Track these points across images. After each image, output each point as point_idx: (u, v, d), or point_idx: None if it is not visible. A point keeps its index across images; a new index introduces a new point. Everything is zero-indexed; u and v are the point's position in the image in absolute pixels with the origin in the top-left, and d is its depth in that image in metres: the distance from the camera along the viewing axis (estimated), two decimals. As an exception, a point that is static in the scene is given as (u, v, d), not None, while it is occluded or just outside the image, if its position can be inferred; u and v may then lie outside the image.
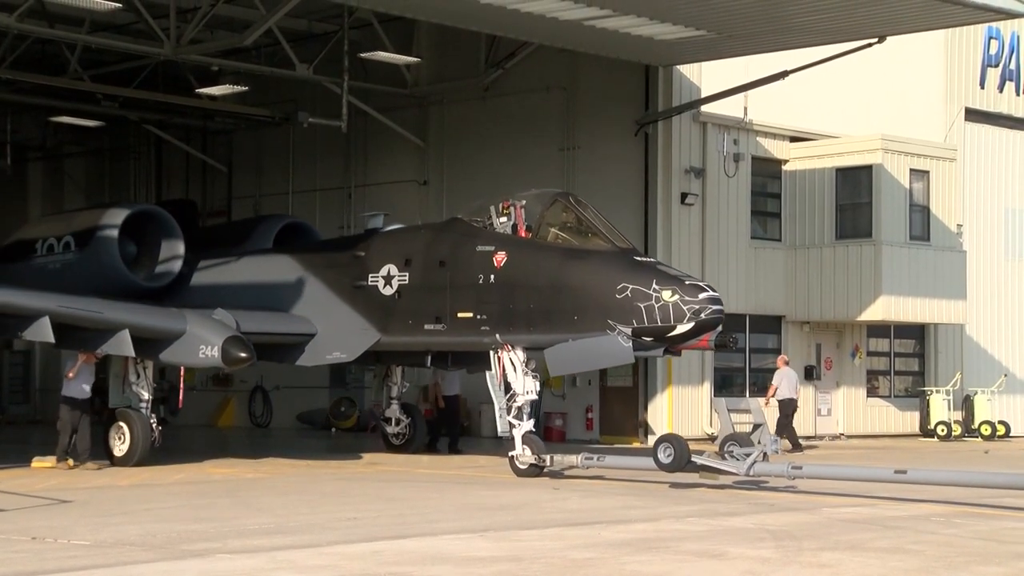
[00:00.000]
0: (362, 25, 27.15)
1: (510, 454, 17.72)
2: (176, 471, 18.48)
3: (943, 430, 29.05)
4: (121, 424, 19.36)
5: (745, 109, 27.08)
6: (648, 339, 16.91)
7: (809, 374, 28.31)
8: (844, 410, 29.06)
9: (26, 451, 20.66)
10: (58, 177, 36.91)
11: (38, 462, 19.15)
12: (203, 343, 18.71)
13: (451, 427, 23.55)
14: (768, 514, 13.47)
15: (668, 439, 16.42)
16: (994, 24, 30.28)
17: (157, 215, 22.95)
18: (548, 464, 17.37)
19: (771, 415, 22.89)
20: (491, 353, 18.09)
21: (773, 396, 24.70)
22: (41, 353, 36.09)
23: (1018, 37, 32.38)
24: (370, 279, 19.82)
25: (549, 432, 26.87)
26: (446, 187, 29.00)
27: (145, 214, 22.90)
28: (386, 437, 22.91)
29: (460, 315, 18.47)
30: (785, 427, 24.34)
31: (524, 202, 18.31)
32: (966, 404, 30.11)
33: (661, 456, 16.05)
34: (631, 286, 16.78)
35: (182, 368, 20.01)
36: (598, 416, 26.51)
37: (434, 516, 13.21)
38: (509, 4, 20.71)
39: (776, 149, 28.33)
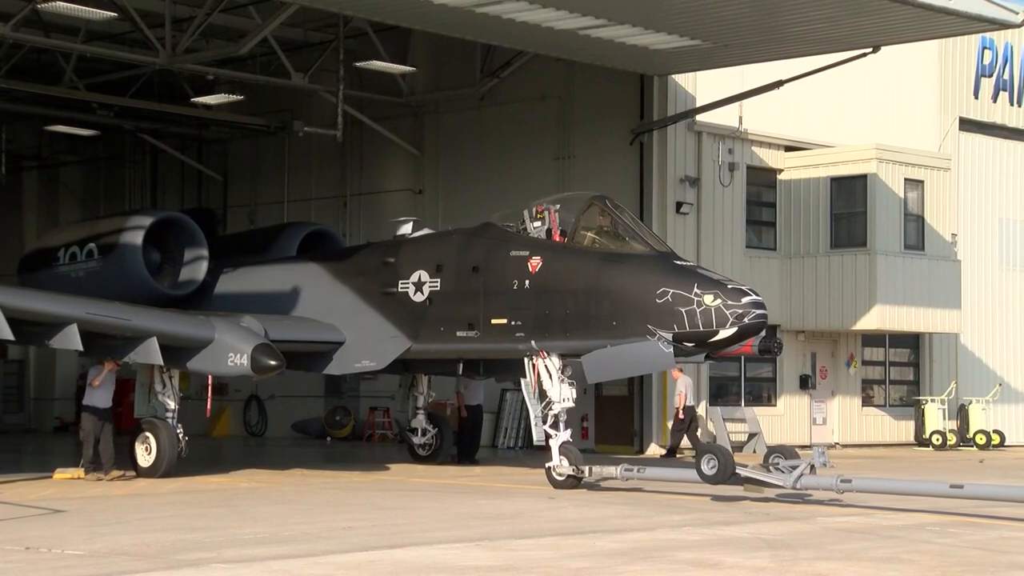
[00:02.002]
0: (357, 34, 27.19)
1: (547, 465, 17.36)
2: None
3: (938, 439, 29.06)
4: (147, 434, 18.86)
5: (740, 118, 27.14)
6: (689, 344, 16.54)
7: (804, 383, 28.32)
8: (839, 419, 29.06)
9: (19, 461, 20.59)
10: (53, 186, 36.89)
11: (60, 473, 18.67)
12: (232, 351, 18.33)
13: (471, 437, 22.94)
14: (764, 523, 13.46)
15: (712, 450, 15.78)
16: (988, 34, 30.37)
17: (181, 222, 22.53)
18: (586, 475, 16.91)
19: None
20: (526, 360, 17.68)
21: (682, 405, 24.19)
22: (36, 362, 36.06)
23: (1012, 47, 32.48)
24: (400, 285, 19.43)
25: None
26: (441, 196, 29.02)
27: (168, 221, 22.48)
28: (412, 448, 22.45)
29: (494, 321, 18.09)
30: (685, 432, 24.19)
31: (558, 206, 17.95)
32: (961, 413, 30.13)
33: (705, 468, 15.46)
34: (672, 290, 16.40)
35: (210, 377, 19.48)
36: (593, 425, 26.49)
37: (429, 525, 13.19)
38: (504, 14, 20.75)
39: (771, 158, 28.38)
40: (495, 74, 27.83)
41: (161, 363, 18.49)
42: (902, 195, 28.24)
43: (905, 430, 30.01)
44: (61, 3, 23.26)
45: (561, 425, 17.27)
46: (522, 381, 17.73)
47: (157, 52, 24.63)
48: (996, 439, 29.78)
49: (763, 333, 17.50)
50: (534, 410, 17.32)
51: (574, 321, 17.21)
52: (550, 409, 17.31)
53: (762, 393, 28.08)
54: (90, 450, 18.62)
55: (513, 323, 17.82)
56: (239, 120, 30.96)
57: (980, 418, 30.01)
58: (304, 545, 11.55)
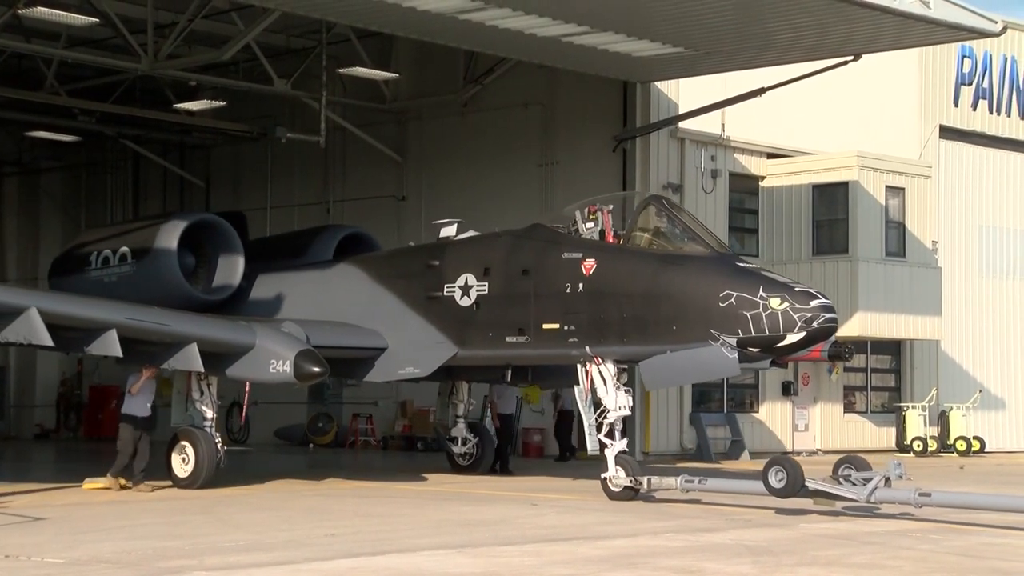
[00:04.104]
0: (340, 41, 27.18)
1: (602, 476, 16.63)
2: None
3: (919, 446, 29.20)
4: (184, 444, 18.13)
5: (723, 126, 27.24)
6: (754, 350, 15.87)
7: (787, 390, 28.40)
8: (821, 426, 29.16)
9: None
10: (34, 192, 36.74)
11: (90, 483, 18.10)
12: (274, 357, 17.66)
13: (504, 446, 22.19)
14: (746, 530, 13.49)
15: (780, 462, 14.93)
16: (968, 43, 30.58)
17: (215, 225, 21.74)
18: (644, 487, 16.24)
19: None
20: (579, 367, 17.01)
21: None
22: (16, 369, 35.88)
23: (991, 56, 32.71)
24: (445, 289, 18.71)
25: (527, 448, 26.86)
26: (424, 203, 29.01)
27: (203, 224, 21.69)
28: (451, 457, 21.70)
29: (546, 326, 17.36)
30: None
31: (612, 206, 17.42)
32: (942, 420, 30.28)
33: (772, 480, 14.76)
34: (735, 293, 15.71)
35: (247, 384, 18.66)
36: (576, 432, 26.49)
37: (412, 532, 13.16)
38: (487, 20, 20.78)
39: (753, 165, 28.48)
40: (478, 81, 27.85)
41: (201, 370, 17.83)
42: (883, 202, 28.39)
43: (886, 436, 30.13)
44: (42, 8, 23.18)
45: (617, 434, 16.58)
46: (575, 389, 17.11)
47: (139, 58, 24.57)
48: (976, 445, 29.93)
49: (833, 338, 16.90)
50: (587, 418, 16.61)
51: (631, 326, 16.55)
52: (605, 417, 16.60)
53: (745, 399, 28.14)
54: (125, 459, 17.83)
55: (566, 328, 17.13)
56: (221, 126, 30.90)
57: (960, 424, 30.16)
58: (286, 552, 11.52)
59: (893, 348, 30.59)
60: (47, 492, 17.76)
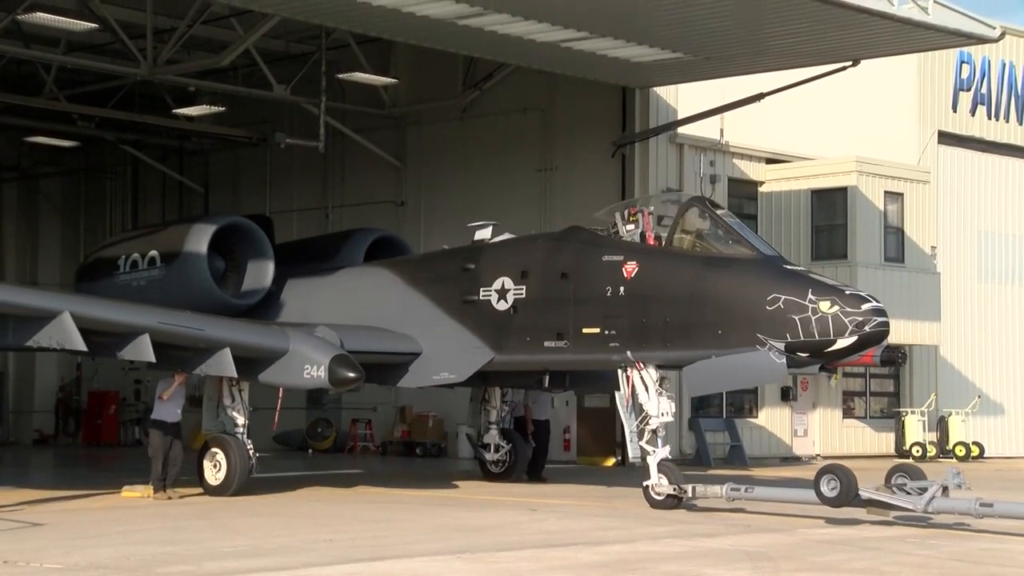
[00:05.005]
0: (339, 46, 27.21)
1: (644, 483, 16.29)
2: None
3: (918, 451, 29.20)
4: (216, 451, 17.94)
5: (721, 131, 27.26)
6: (803, 355, 15.49)
7: (785, 395, 28.40)
8: (820, 431, 29.15)
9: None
10: (33, 198, 36.73)
11: (128, 491, 17.87)
12: (308, 363, 17.37)
13: (539, 453, 21.59)
14: (745, 535, 13.48)
15: (832, 470, 14.53)
16: (966, 49, 30.61)
17: (245, 228, 21.24)
18: (689, 495, 15.86)
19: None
20: (620, 372, 16.71)
21: None
22: (15, 375, 35.85)
23: (989, 62, 32.74)
24: (482, 293, 18.36)
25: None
26: (423, 208, 29.03)
27: (232, 227, 21.18)
28: (484, 464, 21.19)
29: (585, 331, 17.03)
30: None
31: (652, 208, 17.12)
32: (941, 425, 30.28)
33: (825, 489, 14.34)
34: (783, 296, 15.35)
35: (280, 390, 18.44)
36: (575, 437, 26.49)
37: (411, 537, 13.16)
38: (487, 26, 20.80)
39: (752, 171, 28.50)
40: (477, 86, 27.87)
41: (235, 375, 17.53)
42: (882, 208, 28.40)
43: (885, 442, 30.12)
44: (41, 14, 23.21)
45: (659, 441, 16.25)
46: (616, 395, 16.86)
47: (138, 63, 24.59)
48: (975, 451, 29.92)
49: (885, 343, 16.54)
50: (629, 425, 16.39)
51: (674, 330, 16.20)
52: (647, 424, 16.30)
53: (744, 405, 28.14)
54: (159, 466, 17.56)
55: (606, 332, 16.79)
56: (220, 131, 30.91)
57: (960, 430, 30.16)
58: (285, 558, 11.51)
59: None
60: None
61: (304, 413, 30.29)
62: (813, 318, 15.25)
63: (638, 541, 12.91)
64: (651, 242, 16.88)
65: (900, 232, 28.73)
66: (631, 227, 17.05)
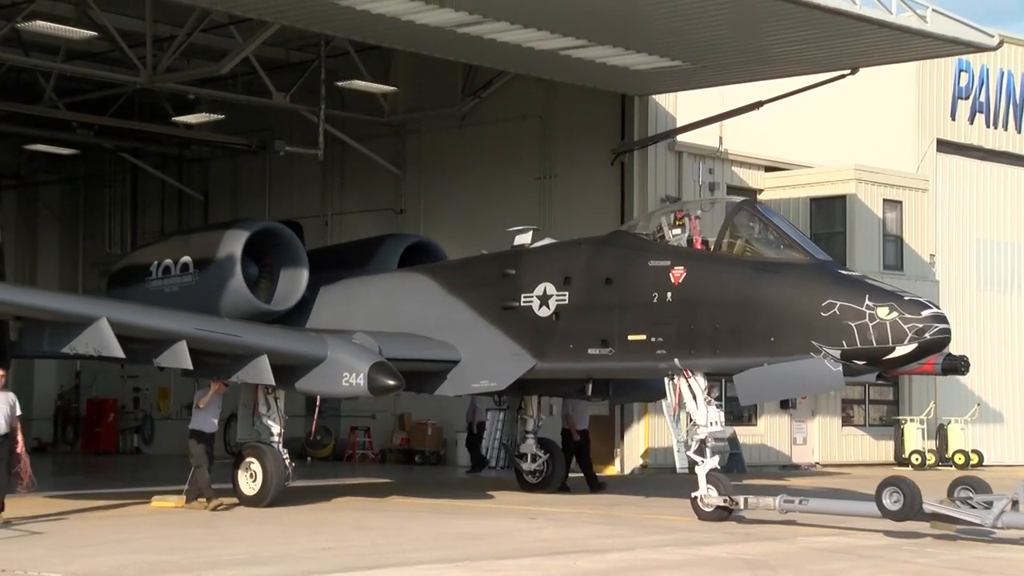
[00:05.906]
0: (339, 54, 27.23)
1: (693, 495, 15.82)
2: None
3: (917, 459, 29.19)
4: (251, 460, 17.47)
5: (720, 139, 27.28)
6: (860, 363, 15.02)
7: (784, 403, 28.38)
8: (819, 439, 29.14)
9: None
10: (32, 205, 36.75)
11: (159, 501, 17.69)
12: (347, 370, 16.97)
13: (583, 463, 21.04)
14: (744, 543, 13.46)
15: (896, 482, 13.98)
16: (964, 57, 30.65)
17: (278, 234, 20.78)
18: (740, 506, 15.41)
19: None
20: (667, 380, 16.33)
21: None
22: (14, 383, 35.67)
23: (987, 70, 32.79)
24: (523, 299, 17.90)
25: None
26: (423, 215, 29.04)
27: (266, 233, 20.73)
28: (520, 475, 20.61)
29: (631, 338, 16.55)
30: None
31: (700, 212, 16.70)
32: (940, 433, 30.26)
33: (888, 502, 13.78)
34: (839, 302, 14.86)
35: (318, 398, 18.13)
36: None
37: (409, 546, 13.14)
38: (486, 34, 20.83)
39: (751, 179, 28.52)
40: (476, 94, 27.90)
41: (272, 383, 17.15)
42: (881, 216, 28.43)
43: (885, 450, 30.11)
44: (41, 22, 23.23)
45: (708, 451, 15.75)
46: (663, 403, 16.38)
47: (138, 71, 24.61)
48: (975, 459, 29.90)
49: (946, 351, 16.03)
50: (676, 435, 16.09)
51: (724, 337, 15.72)
52: (695, 434, 15.81)
53: (743, 413, 28.11)
54: (205, 473, 17.14)
55: (653, 339, 16.31)
56: (220, 139, 30.92)
57: (959, 438, 30.15)
58: (283, 566, 11.50)
59: (891, 361, 30.55)
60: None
61: (303, 421, 30.25)
62: (871, 324, 14.78)
63: (637, 549, 12.89)
64: (698, 247, 16.46)
65: (899, 240, 28.75)
66: (678, 231, 16.63)
